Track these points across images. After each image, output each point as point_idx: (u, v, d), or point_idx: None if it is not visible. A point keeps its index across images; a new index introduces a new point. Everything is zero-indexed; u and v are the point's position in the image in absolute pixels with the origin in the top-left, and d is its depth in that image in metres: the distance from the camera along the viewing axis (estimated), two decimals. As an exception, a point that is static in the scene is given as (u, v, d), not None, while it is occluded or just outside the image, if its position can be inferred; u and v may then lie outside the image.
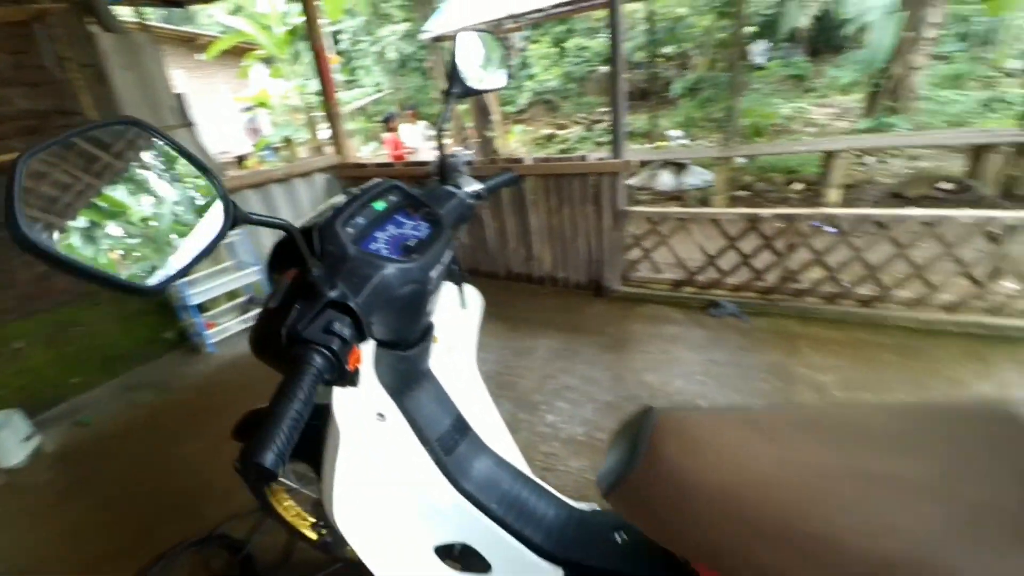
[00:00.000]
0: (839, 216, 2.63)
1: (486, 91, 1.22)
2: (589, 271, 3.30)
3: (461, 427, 1.06)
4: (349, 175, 4.10)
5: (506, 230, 3.51)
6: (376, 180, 0.99)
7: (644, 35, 10.81)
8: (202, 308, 3.34)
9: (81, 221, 0.55)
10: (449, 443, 1.01)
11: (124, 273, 0.57)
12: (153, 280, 0.59)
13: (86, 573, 1.89)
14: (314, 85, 10.01)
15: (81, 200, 0.56)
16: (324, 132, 12.32)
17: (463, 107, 10.63)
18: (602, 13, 13.14)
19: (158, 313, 3.34)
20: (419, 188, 1.04)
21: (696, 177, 6.50)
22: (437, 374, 1.10)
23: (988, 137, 5.32)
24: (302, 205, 4.02)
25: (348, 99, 12.15)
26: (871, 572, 0.54)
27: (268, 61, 10.83)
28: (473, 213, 1.09)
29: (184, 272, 0.62)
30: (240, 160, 9.44)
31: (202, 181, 0.65)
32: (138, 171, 0.62)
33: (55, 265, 0.51)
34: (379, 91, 14.36)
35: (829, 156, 5.41)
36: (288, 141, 8.76)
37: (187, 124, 3.38)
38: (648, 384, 2.44)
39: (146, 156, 0.63)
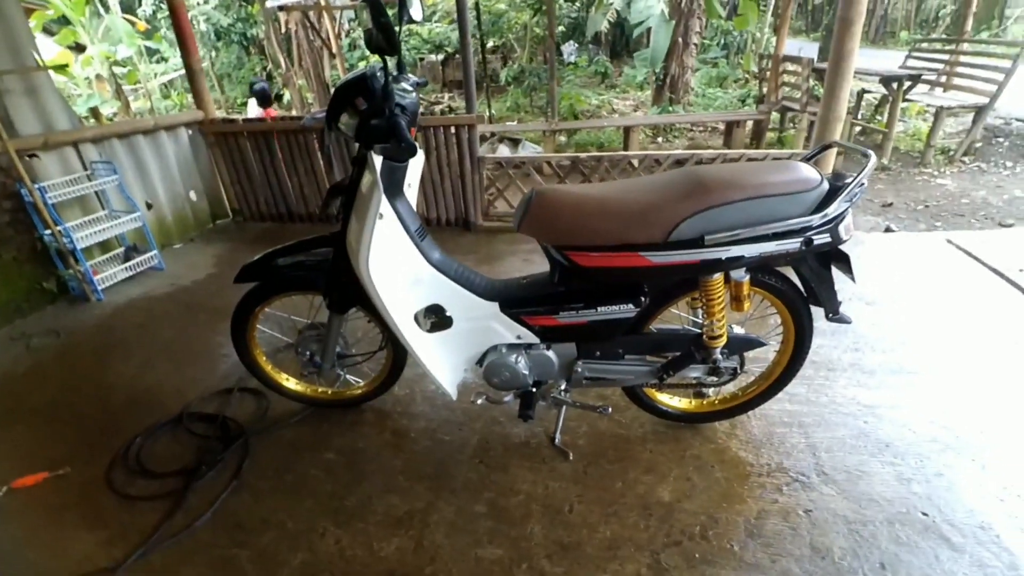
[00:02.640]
0: (629, 156, 3.74)
1: (418, 21, 1.84)
2: (457, 210, 4.03)
3: (424, 228, 1.72)
4: (217, 131, 4.25)
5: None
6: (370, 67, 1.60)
7: (472, 27, 11.70)
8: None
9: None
10: (421, 235, 1.67)
11: None
12: None
13: (59, 465, 2.02)
14: (123, 52, 9.12)
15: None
16: (135, 105, 11.15)
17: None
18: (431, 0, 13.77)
19: (36, 262, 3.27)
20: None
21: (529, 150, 7.59)
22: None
23: (735, 116, 7.23)
24: (169, 160, 4.10)
25: (160, 71, 11.12)
26: (634, 212, 1.38)
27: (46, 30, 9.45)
28: (419, 87, 1.74)
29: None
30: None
31: None
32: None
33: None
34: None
35: (627, 132, 6.83)
36: (96, 113, 7.89)
37: (45, 68, 3.34)
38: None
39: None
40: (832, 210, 1.36)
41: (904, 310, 2.71)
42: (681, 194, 1.38)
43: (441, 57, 13.67)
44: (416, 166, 1.71)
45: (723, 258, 1.40)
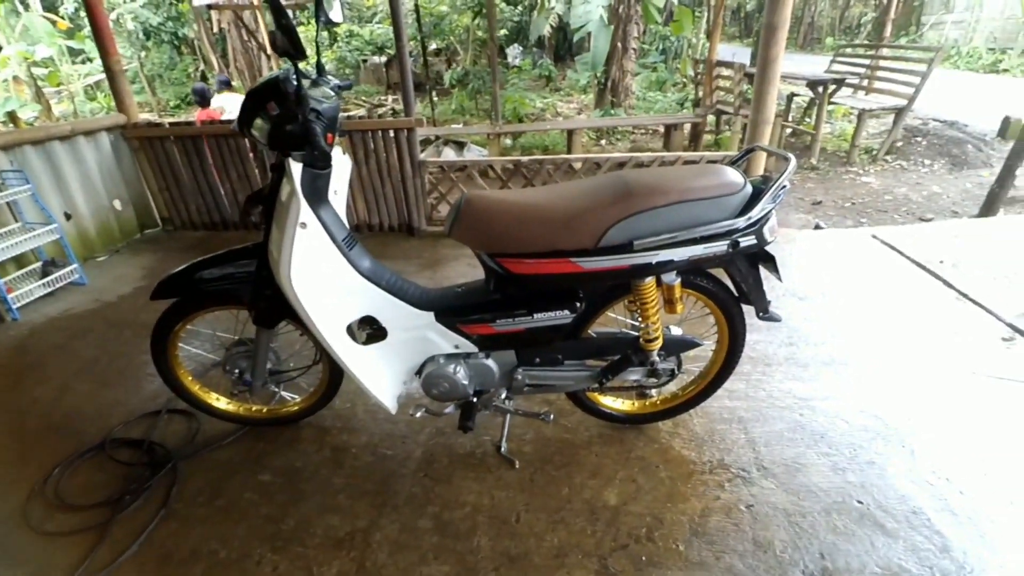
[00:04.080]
0: (570, 159, 3.77)
1: (337, 24, 1.77)
2: (400, 215, 3.95)
3: (352, 237, 1.65)
4: (142, 135, 4.00)
5: (320, 185, 3.93)
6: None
7: (412, 28, 11.58)
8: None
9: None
10: (349, 244, 1.60)
11: None
12: None
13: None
14: (42, 52, 8.51)
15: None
16: (58, 108, 10.42)
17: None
18: (372, 1, 13.53)
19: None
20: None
21: (474, 153, 7.56)
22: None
23: (674, 119, 7.43)
24: (89, 167, 3.83)
25: (84, 72, 10.42)
26: (563, 218, 1.37)
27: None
28: (342, 91, 1.65)
29: None
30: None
31: None
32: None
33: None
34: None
35: (571, 135, 6.91)
36: (14, 117, 7.30)
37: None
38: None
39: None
40: (755, 213, 1.39)
41: (834, 304, 2.84)
42: (608, 200, 1.38)
43: (384, 59, 13.44)
44: (342, 172, 1.65)
45: (653, 262, 1.40)
